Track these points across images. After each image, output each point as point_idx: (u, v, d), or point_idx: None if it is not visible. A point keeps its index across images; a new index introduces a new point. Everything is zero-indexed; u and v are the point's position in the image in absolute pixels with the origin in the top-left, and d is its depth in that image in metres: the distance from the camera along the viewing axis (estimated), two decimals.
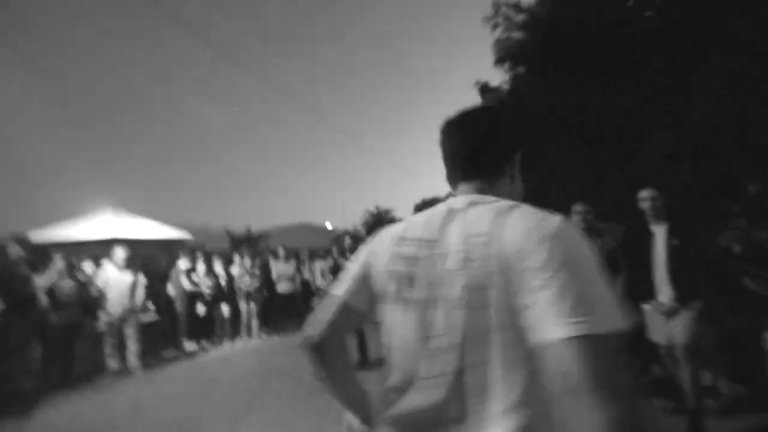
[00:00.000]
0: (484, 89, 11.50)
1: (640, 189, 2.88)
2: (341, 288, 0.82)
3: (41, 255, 5.20)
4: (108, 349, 4.66)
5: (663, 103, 6.93)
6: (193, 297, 5.77)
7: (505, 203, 0.66)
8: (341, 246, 8.66)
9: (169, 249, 7.14)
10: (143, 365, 4.82)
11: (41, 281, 4.35)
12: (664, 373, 3.18)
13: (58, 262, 4.65)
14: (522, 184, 0.85)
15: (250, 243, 17.60)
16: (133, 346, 4.76)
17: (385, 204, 72.70)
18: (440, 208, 0.76)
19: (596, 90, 8.13)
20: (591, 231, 3.37)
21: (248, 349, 5.74)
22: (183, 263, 5.90)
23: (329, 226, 28.37)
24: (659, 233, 2.78)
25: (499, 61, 10.91)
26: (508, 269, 0.57)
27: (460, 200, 0.74)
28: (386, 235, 0.82)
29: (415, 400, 0.65)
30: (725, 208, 5.28)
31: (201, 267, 6.00)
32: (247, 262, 6.44)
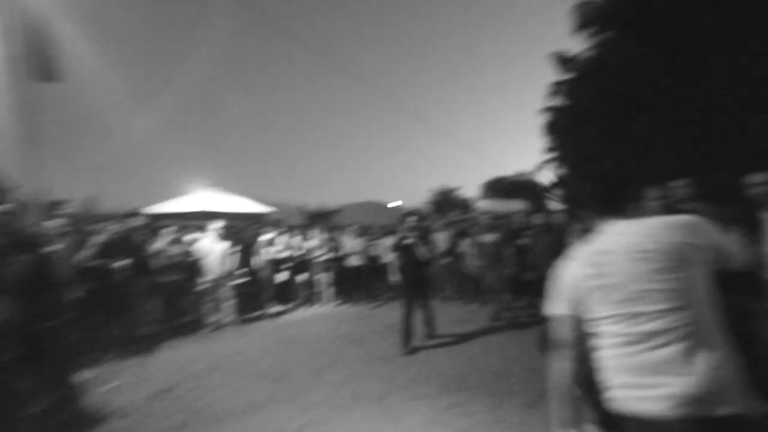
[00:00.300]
0: (562, 60, 10.58)
1: (750, 171, 2.57)
2: (562, 307, 1.18)
3: (154, 225, 6.14)
4: (208, 306, 5.44)
5: None
6: (275, 264, 6.44)
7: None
8: (406, 225, 8.84)
9: (256, 222, 7.92)
10: (235, 321, 5.56)
11: (155, 247, 5.17)
12: None
13: (168, 232, 5.47)
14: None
15: (323, 218, 18.63)
16: (228, 304, 5.50)
17: (451, 183, 71.17)
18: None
19: (704, 56, 7.06)
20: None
21: (322, 314, 6.26)
22: (266, 235, 6.56)
23: (394, 204, 28.74)
24: None
25: (582, 27, 9.92)
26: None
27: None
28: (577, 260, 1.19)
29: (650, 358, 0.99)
30: None
31: (281, 239, 6.63)
32: (322, 236, 6.94)
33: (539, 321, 4.96)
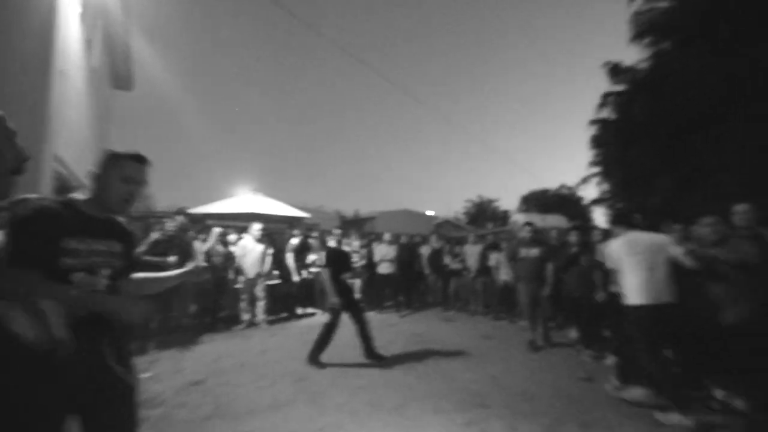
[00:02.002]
0: (615, 70, 10.08)
1: None
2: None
3: (200, 225, 6.55)
4: (243, 304, 5.71)
5: None
6: (307, 267, 6.64)
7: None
8: (441, 234, 8.78)
9: (293, 226, 8.24)
10: (267, 320, 5.78)
11: (202, 246, 5.51)
12: None
13: (215, 232, 5.81)
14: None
15: (357, 225, 18.92)
16: (260, 304, 5.74)
17: (489, 194, 69.59)
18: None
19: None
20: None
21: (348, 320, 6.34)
22: (295, 239, 6.76)
23: (430, 213, 28.56)
24: None
25: (638, 36, 9.42)
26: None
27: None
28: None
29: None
30: None
31: (313, 243, 6.85)
32: (355, 242, 7.07)
33: (571, 344, 4.74)
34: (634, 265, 3.05)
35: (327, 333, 4.13)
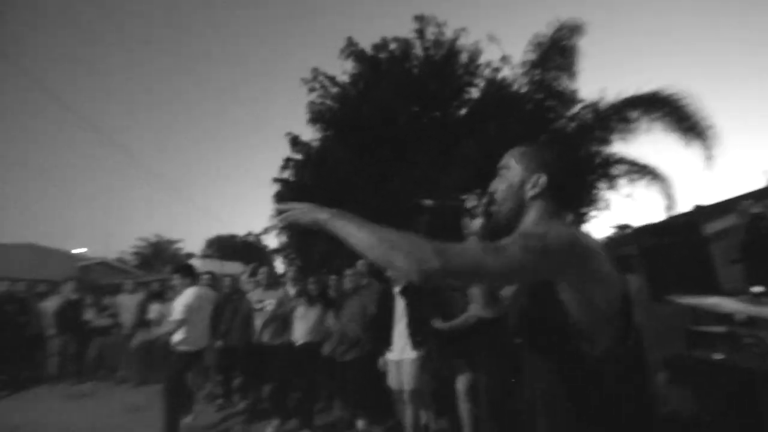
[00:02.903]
0: (295, 141, 12.08)
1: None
2: None
3: None
4: None
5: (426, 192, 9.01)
6: None
7: None
8: (82, 281, 6.85)
9: None
10: None
11: None
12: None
13: None
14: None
15: None
16: None
17: (172, 234, 62.61)
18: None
19: (384, 170, 9.85)
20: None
21: None
22: None
23: (78, 251, 21.89)
24: (396, 294, 3.48)
25: (313, 121, 11.84)
26: None
27: None
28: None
29: None
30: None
31: None
32: None
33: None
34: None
35: None
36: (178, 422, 3.27)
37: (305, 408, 3.61)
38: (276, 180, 14.26)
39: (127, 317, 5.45)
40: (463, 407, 3.42)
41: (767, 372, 2.25)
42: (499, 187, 1.07)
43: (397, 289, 3.50)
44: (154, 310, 5.11)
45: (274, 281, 4.32)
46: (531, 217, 1.02)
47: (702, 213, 7.43)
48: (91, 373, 5.47)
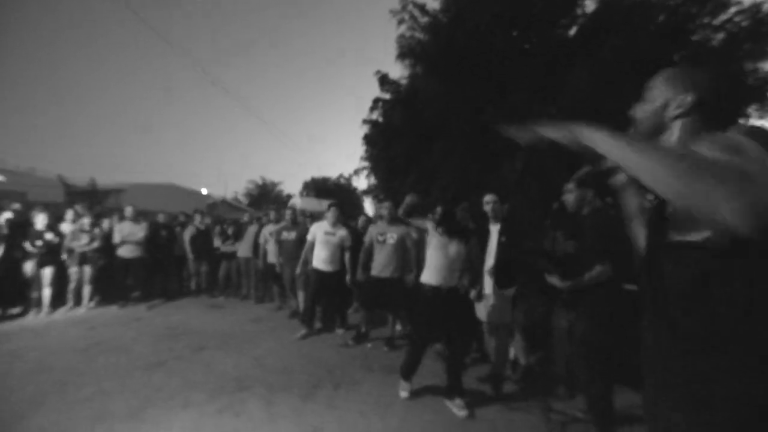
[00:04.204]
0: (383, 80, 11.80)
1: (494, 195, 3.39)
2: None
3: None
4: None
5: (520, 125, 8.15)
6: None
7: None
8: (210, 214, 7.95)
9: None
10: None
11: None
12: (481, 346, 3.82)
13: None
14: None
15: (92, 197, 14.63)
16: None
17: (273, 177, 69.15)
18: None
19: (480, 103, 9.11)
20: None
21: (72, 319, 4.85)
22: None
23: (204, 191, 25.66)
24: (494, 231, 3.31)
25: (401, 56, 11.31)
26: None
27: None
28: None
29: None
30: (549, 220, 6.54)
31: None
32: (86, 219, 5.41)
33: (335, 320, 5.21)
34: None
35: None
36: None
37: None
38: (365, 121, 14.40)
39: (246, 245, 6.29)
40: (557, 346, 3.27)
41: None
42: (641, 108, 1.01)
43: (496, 226, 3.33)
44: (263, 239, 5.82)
45: (396, 217, 4.43)
46: (673, 137, 0.94)
47: None
48: (222, 290, 6.59)
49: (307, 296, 4.50)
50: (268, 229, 5.74)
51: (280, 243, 5.23)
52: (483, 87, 9.06)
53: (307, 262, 4.50)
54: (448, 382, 2.86)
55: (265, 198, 38.03)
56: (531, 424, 2.65)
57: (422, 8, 10.74)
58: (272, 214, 6.01)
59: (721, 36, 7.38)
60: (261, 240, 5.83)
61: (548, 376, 3.37)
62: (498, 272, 3.17)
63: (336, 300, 4.76)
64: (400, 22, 10.85)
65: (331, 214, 4.51)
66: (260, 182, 40.73)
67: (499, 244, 3.25)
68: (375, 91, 12.38)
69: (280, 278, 5.40)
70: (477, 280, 3.24)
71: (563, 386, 3.20)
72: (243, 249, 6.34)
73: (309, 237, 4.50)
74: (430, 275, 2.95)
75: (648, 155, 0.63)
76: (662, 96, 0.97)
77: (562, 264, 3.32)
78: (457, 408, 2.73)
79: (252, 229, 6.30)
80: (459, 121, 9.52)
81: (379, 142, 13.48)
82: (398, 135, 12.07)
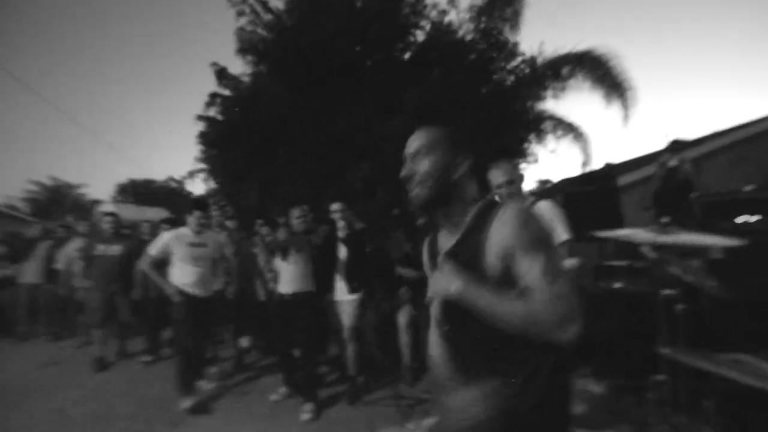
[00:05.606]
0: (222, 74, 10.78)
1: (342, 203, 3.51)
2: None
3: None
4: None
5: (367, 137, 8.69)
6: None
7: None
8: None
9: None
10: None
11: None
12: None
13: None
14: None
15: None
16: None
17: (70, 177, 54.88)
18: None
19: (324, 112, 9.28)
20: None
21: None
22: None
23: None
24: (344, 237, 3.45)
25: (242, 51, 10.55)
26: None
27: None
28: None
29: None
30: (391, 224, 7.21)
31: None
32: None
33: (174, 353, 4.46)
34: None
35: None
36: None
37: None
38: (200, 117, 12.82)
39: (33, 268, 4.70)
40: (403, 340, 3.66)
41: (657, 294, 2.67)
42: (419, 169, 1.08)
43: (341, 235, 3.47)
44: (62, 258, 4.47)
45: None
46: (462, 197, 1.09)
47: (612, 169, 8.39)
48: None
49: (181, 332, 3.46)
50: (75, 244, 4.48)
51: (89, 259, 4.12)
52: (328, 97, 9.30)
53: (147, 287, 3.76)
54: (300, 389, 2.90)
55: (58, 205, 29.50)
56: (385, 415, 2.87)
57: (264, 4, 10.27)
58: (82, 226, 4.70)
59: (512, 78, 9.62)
60: (61, 262, 4.47)
61: (396, 367, 3.73)
62: (349, 276, 3.33)
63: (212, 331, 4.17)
64: (240, 14, 10.12)
65: (194, 218, 3.57)
66: (49, 183, 31.43)
67: (349, 249, 3.40)
68: (211, 84, 11.17)
69: (82, 307, 4.27)
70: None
71: (409, 374, 3.59)
72: (29, 273, 4.73)
73: (153, 252, 3.47)
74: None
75: (501, 315, 0.92)
76: (443, 157, 1.07)
77: (410, 259, 3.74)
78: (305, 413, 2.80)
79: (43, 246, 4.76)
80: (305, 128, 9.51)
81: (218, 143, 12.23)
82: (239, 135, 11.19)
